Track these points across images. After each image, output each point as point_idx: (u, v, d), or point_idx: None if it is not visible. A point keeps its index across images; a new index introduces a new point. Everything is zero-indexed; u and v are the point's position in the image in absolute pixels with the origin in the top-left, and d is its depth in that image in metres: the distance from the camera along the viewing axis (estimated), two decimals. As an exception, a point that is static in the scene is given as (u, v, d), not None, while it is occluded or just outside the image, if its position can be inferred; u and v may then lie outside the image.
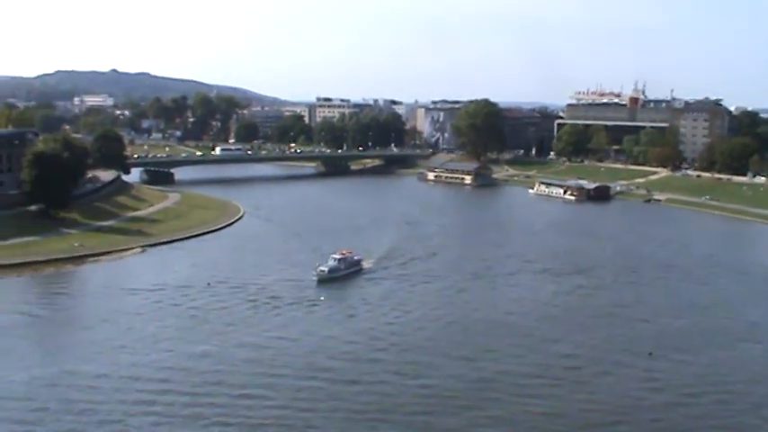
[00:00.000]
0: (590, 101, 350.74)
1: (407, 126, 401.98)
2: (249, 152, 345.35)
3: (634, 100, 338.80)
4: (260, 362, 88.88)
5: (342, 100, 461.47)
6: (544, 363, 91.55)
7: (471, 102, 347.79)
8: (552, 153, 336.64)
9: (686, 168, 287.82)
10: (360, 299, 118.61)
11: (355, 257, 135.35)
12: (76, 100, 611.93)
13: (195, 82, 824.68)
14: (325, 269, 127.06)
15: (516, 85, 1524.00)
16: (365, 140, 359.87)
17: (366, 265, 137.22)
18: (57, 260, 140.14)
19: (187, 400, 77.21)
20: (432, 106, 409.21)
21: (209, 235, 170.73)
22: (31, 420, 72.08)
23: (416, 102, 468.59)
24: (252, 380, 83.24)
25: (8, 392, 78.60)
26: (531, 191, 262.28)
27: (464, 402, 78.76)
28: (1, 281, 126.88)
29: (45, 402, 76.11)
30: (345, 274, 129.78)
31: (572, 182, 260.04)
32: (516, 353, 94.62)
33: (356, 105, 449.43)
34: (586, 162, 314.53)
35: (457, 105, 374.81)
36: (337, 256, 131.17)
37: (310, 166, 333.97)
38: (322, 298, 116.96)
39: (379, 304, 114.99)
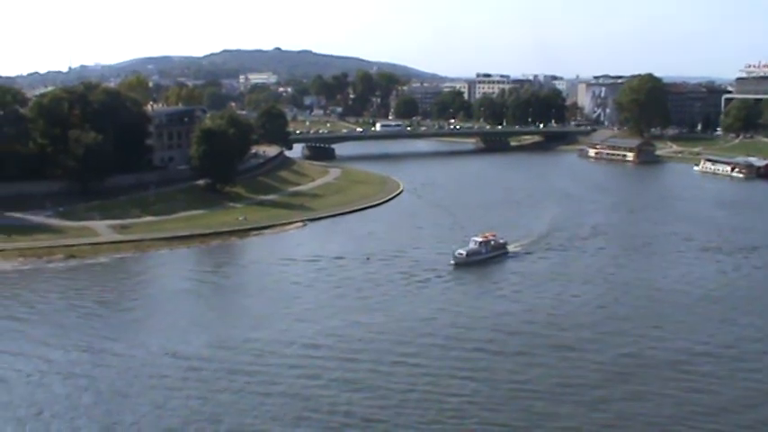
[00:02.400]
0: (762, 74, 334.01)
1: (568, 102, 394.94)
2: (408, 128, 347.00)
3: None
4: (425, 333, 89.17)
5: (501, 76, 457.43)
6: (729, 344, 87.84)
7: (634, 76, 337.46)
8: (719, 129, 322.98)
9: None
10: (503, 280, 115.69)
11: (500, 240, 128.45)
12: (242, 78, 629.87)
13: (356, 59, 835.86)
14: (463, 252, 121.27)
15: (681, 59, 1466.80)
16: (525, 116, 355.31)
17: (515, 248, 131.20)
18: (222, 233, 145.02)
19: (367, 366, 79.14)
20: (593, 81, 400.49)
21: (370, 210, 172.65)
22: (216, 385, 74.73)
23: (577, 77, 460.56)
24: (425, 350, 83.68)
25: (189, 354, 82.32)
26: (695, 168, 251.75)
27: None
28: (171, 252, 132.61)
29: (219, 364, 79.29)
30: (486, 258, 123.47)
31: (740, 159, 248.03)
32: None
33: (516, 81, 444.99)
34: (756, 138, 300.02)
35: (619, 80, 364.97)
36: (478, 239, 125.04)
37: (469, 143, 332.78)
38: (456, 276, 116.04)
39: (527, 284, 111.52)
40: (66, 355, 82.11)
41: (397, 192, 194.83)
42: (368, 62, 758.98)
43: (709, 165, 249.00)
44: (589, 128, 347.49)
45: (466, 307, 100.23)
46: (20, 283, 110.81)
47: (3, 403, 70.10)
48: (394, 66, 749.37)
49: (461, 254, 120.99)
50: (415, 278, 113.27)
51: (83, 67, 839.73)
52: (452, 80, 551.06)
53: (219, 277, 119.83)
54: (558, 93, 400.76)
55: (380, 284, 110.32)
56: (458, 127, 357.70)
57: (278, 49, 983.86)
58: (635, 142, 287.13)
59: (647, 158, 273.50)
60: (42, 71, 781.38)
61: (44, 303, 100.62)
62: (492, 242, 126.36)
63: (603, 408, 70.34)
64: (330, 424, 66.77)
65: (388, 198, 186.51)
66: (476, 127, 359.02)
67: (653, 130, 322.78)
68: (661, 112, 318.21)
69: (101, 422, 66.90)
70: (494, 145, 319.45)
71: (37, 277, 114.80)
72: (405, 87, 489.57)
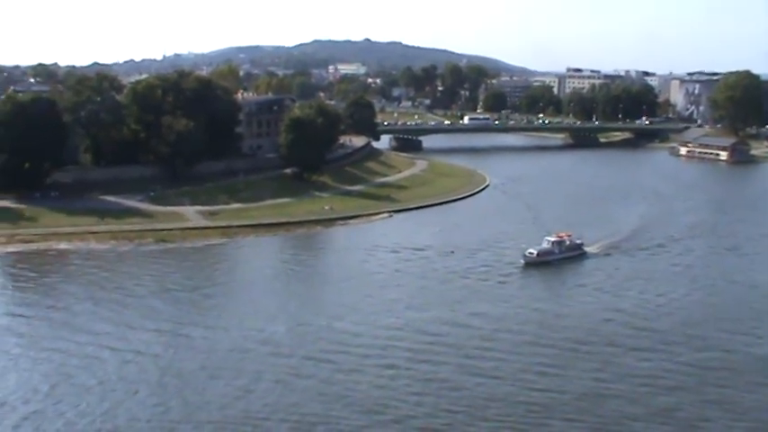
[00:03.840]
0: None
1: (660, 98, 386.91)
2: (496, 122, 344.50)
3: None
4: (507, 329, 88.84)
5: (592, 71, 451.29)
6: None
7: (731, 73, 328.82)
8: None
9: None
10: (571, 280, 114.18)
11: (576, 241, 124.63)
12: (331, 68, 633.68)
13: (446, 51, 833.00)
14: (534, 252, 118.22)
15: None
16: (615, 112, 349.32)
17: (594, 248, 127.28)
18: (308, 222, 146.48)
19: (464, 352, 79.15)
20: (687, 78, 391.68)
21: (455, 203, 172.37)
22: (298, 371, 75.78)
23: (671, 73, 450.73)
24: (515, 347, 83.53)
25: (272, 339, 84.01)
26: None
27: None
28: (257, 239, 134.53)
29: (302, 351, 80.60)
30: (560, 258, 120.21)
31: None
32: None
33: (607, 76, 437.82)
34: None
35: (715, 77, 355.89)
36: (552, 239, 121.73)
37: (558, 138, 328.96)
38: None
39: (595, 286, 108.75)
40: (158, 336, 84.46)
41: (483, 186, 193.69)
42: (457, 55, 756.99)
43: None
44: (682, 125, 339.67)
45: (523, 308, 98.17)
46: (113, 266, 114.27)
47: (99, 381, 72.33)
48: (483, 59, 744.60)
49: (532, 253, 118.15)
50: (493, 274, 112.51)
51: (176, 55, 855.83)
52: (542, 74, 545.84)
53: (304, 265, 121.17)
54: (649, 89, 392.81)
55: (462, 278, 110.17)
56: (546, 122, 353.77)
57: (367, 40, 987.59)
58: (729, 141, 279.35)
59: (741, 158, 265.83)
60: (137, 59, 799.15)
61: (136, 286, 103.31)
62: (566, 242, 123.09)
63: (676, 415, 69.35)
64: (407, 413, 67.19)
65: (473, 192, 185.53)
66: (565, 122, 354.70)
67: (748, 128, 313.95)
68: (758, 111, 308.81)
69: (191, 403, 68.78)
70: (582, 141, 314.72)
71: (129, 260, 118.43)
72: (494, 81, 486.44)
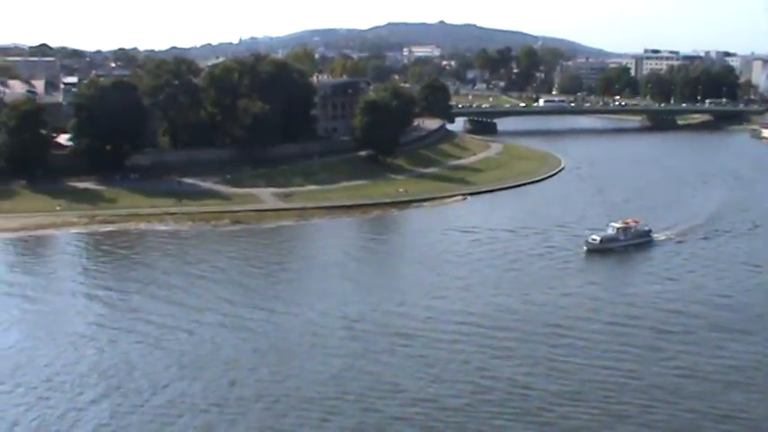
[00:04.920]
0: None
1: (741, 80, 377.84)
2: (572, 104, 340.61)
3: None
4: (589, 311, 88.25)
5: (671, 51, 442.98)
6: None
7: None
8: None
9: None
10: (636, 267, 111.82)
11: (644, 228, 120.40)
12: (405, 51, 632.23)
13: (520, 33, 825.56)
14: (597, 238, 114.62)
15: None
16: (694, 94, 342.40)
17: (664, 235, 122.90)
18: (382, 204, 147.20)
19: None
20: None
21: (529, 186, 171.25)
22: (373, 347, 76.37)
23: (752, 54, 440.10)
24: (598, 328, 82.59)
25: (349, 317, 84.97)
26: None
27: None
28: (332, 221, 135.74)
29: (376, 329, 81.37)
30: (626, 245, 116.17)
31: None
32: None
33: (686, 57, 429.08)
34: None
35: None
36: (617, 225, 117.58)
37: (634, 120, 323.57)
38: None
39: (662, 273, 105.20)
40: (245, 312, 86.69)
41: (558, 169, 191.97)
42: (533, 36, 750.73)
43: None
44: (765, 107, 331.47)
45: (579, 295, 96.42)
46: (193, 246, 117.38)
47: (197, 357, 74.60)
48: (559, 40, 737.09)
49: (595, 239, 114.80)
50: (560, 259, 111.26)
51: (252, 38, 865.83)
52: (619, 56, 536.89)
53: (378, 247, 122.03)
54: (730, 70, 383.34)
55: (532, 262, 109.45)
56: (623, 104, 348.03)
57: (442, 22, 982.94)
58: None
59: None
60: (214, 43, 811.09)
61: (216, 265, 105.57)
62: (633, 228, 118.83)
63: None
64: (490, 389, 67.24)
65: (548, 175, 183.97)
66: (642, 104, 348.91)
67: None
68: None
69: (278, 378, 70.29)
70: (660, 123, 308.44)
71: (207, 240, 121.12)
72: (569, 63, 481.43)
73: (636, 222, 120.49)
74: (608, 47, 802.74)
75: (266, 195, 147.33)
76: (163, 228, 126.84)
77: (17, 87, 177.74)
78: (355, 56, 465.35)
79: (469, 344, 77.79)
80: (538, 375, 70.81)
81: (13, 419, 61.76)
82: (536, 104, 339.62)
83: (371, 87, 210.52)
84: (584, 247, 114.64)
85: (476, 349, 76.50)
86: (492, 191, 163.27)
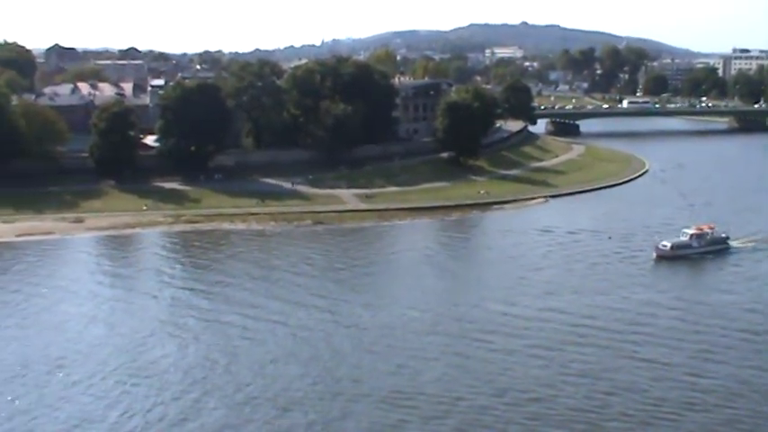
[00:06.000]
0: None
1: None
2: (656, 105, 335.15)
3: None
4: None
5: (761, 51, 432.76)
6: None
7: None
8: None
9: None
10: (708, 276, 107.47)
11: (721, 234, 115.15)
12: (487, 52, 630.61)
13: (604, 33, 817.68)
14: (668, 245, 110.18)
15: None
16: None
17: (742, 243, 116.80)
18: (464, 206, 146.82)
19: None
20: None
21: (613, 189, 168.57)
22: (454, 348, 76.32)
23: None
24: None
25: (427, 318, 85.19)
26: None
27: None
28: (413, 222, 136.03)
29: (456, 330, 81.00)
30: (699, 252, 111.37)
31: None
32: None
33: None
34: None
35: None
36: (690, 231, 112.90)
37: (722, 122, 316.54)
38: None
39: (736, 282, 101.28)
40: (355, 309, 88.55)
41: (642, 171, 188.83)
42: (617, 37, 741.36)
43: None
44: None
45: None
46: (279, 245, 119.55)
47: (291, 350, 76.31)
48: (644, 41, 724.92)
49: (665, 246, 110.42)
50: (634, 263, 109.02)
51: (334, 40, 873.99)
52: (706, 56, 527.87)
53: (459, 248, 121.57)
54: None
55: (617, 263, 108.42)
56: (710, 105, 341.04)
57: (524, 23, 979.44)
58: None
59: None
60: (297, 45, 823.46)
61: (299, 265, 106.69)
62: (708, 235, 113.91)
63: None
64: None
65: (631, 177, 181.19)
66: (730, 106, 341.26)
67: None
68: None
69: (359, 376, 70.89)
70: (749, 125, 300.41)
71: (291, 240, 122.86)
72: (654, 63, 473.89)
73: (711, 229, 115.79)
74: (695, 47, 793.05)
75: (347, 196, 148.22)
76: (246, 227, 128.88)
77: (106, 90, 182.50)
78: (437, 57, 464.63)
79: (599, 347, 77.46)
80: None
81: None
82: (620, 106, 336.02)
83: (453, 89, 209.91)
84: (654, 254, 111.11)
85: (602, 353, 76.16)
86: (574, 193, 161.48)
